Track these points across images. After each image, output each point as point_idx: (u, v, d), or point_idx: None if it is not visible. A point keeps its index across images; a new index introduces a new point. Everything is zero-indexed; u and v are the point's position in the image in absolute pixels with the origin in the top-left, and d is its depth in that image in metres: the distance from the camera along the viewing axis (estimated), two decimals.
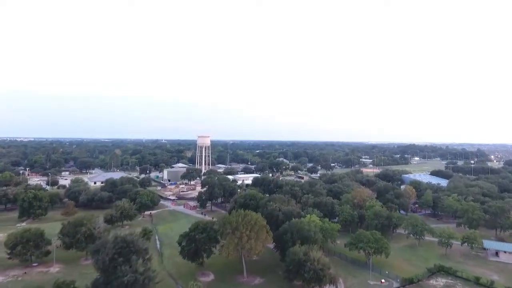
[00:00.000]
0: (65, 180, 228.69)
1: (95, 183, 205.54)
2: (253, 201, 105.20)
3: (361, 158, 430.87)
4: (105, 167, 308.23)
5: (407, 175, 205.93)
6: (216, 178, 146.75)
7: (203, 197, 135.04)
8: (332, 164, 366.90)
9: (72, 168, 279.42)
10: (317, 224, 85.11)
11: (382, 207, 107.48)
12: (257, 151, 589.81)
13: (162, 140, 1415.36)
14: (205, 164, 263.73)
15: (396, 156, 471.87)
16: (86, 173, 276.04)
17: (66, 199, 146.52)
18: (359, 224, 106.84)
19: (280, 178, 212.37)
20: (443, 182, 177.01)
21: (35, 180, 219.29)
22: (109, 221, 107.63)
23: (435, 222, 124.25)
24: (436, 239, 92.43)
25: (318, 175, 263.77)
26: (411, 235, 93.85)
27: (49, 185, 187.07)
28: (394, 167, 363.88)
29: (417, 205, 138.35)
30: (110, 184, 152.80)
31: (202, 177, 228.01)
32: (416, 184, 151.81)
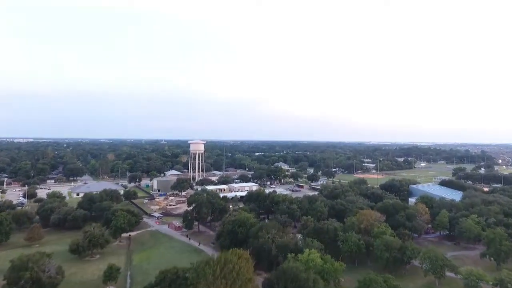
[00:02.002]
0: (48, 190, 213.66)
1: (77, 194, 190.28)
2: (243, 228, 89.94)
3: (363, 162, 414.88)
4: (95, 173, 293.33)
5: (415, 186, 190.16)
6: (205, 194, 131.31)
7: (189, 217, 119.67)
8: (334, 169, 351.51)
9: (59, 176, 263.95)
10: (317, 264, 69.95)
11: (393, 235, 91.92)
12: (257, 153, 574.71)
13: (161, 140, 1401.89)
14: (199, 171, 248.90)
15: (399, 159, 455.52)
16: (74, 180, 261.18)
17: (37, 217, 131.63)
18: (366, 254, 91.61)
19: (278, 190, 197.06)
20: (456, 196, 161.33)
21: (16, 190, 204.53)
22: (75, 251, 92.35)
23: (453, 248, 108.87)
24: (459, 277, 77.16)
25: (319, 183, 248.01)
26: (430, 272, 78.46)
27: (26, 198, 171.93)
28: (398, 172, 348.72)
29: (429, 226, 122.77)
30: (87, 201, 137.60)
31: (194, 186, 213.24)
32: (427, 200, 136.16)
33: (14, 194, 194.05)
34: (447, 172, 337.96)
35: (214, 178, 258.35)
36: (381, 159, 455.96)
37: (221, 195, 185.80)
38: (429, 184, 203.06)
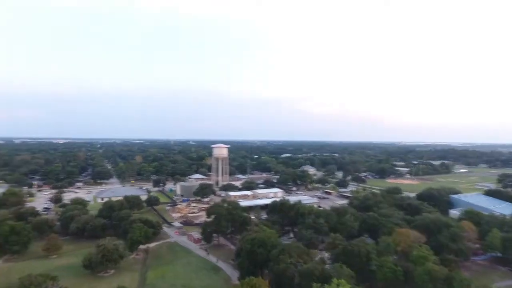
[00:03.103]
0: (76, 194, 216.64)
1: (102, 199, 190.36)
2: (263, 249, 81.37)
3: (396, 166, 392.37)
4: (122, 176, 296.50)
5: (456, 196, 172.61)
6: (225, 204, 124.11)
7: (208, 230, 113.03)
8: (364, 174, 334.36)
9: (87, 179, 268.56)
10: None
11: (436, 262, 79.57)
12: (283, 155, 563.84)
13: (189, 141, 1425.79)
14: (223, 175, 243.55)
15: (435, 163, 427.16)
16: (101, 183, 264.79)
17: (59, 224, 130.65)
18: (404, 282, 79.96)
19: (304, 197, 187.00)
20: (507, 209, 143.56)
21: (46, 194, 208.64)
22: (88, 266, 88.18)
23: (507, 274, 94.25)
24: None
25: (349, 190, 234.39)
26: None
27: (52, 203, 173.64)
28: (435, 178, 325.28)
29: (477, 246, 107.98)
30: (107, 208, 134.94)
31: (217, 192, 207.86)
32: (473, 215, 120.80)
33: (43, 197, 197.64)
34: (490, 178, 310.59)
35: (238, 183, 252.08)
36: (415, 162, 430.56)
37: (245, 202, 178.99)
38: (473, 194, 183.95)
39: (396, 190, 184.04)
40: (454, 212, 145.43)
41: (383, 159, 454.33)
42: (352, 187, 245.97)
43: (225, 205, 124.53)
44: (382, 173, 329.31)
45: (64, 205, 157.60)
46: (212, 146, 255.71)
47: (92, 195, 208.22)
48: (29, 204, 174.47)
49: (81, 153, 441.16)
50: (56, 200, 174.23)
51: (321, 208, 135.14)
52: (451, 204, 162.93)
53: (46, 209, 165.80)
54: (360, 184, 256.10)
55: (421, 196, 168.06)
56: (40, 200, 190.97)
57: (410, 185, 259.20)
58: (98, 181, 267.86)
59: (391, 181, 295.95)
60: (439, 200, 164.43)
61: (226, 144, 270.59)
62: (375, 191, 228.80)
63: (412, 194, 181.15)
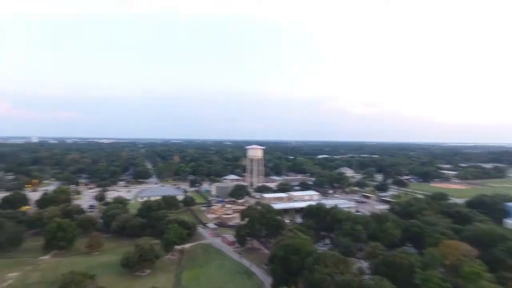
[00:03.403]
0: (118, 192, 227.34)
1: (142, 198, 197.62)
2: (297, 256, 78.57)
3: (441, 169, 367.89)
4: (161, 176, 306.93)
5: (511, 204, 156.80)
6: (259, 207, 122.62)
7: (242, 233, 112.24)
8: (406, 177, 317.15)
9: (128, 178, 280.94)
10: None
11: (492, 279, 71.81)
12: (319, 156, 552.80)
13: (226, 141, 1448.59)
14: (258, 176, 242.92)
15: (487, 166, 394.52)
16: (142, 183, 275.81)
17: (101, 221, 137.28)
18: None
19: (341, 201, 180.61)
20: None
21: (91, 191, 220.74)
22: (126, 265, 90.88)
23: None
24: None
25: (389, 194, 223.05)
26: None
27: (96, 201, 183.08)
28: (486, 182, 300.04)
29: None
30: (146, 208, 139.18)
31: (252, 193, 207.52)
32: None
33: (89, 195, 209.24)
34: None
35: (273, 184, 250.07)
36: (463, 165, 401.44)
37: (279, 205, 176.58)
38: None
39: (442, 196, 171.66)
40: (510, 222, 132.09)
41: (427, 161, 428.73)
42: (392, 191, 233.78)
43: (259, 207, 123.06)
44: (426, 177, 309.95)
45: (107, 203, 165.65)
46: (247, 147, 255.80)
47: (133, 193, 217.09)
48: (75, 202, 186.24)
49: (124, 153, 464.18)
50: (100, 198, 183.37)
51: (359, 213, 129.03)
52: (507, 213, 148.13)
53: (91, 206, 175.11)
54: (402, 188, 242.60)
55: (471, 203, 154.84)
56: (86, 197, 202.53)
57: (457, 191, 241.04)
58: (139, 180, 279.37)
59: (436, 186, 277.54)
60: (492, 208, 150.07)
61: (262, 145, 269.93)
62: (419, 196, 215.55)
63: (461, 201, 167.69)
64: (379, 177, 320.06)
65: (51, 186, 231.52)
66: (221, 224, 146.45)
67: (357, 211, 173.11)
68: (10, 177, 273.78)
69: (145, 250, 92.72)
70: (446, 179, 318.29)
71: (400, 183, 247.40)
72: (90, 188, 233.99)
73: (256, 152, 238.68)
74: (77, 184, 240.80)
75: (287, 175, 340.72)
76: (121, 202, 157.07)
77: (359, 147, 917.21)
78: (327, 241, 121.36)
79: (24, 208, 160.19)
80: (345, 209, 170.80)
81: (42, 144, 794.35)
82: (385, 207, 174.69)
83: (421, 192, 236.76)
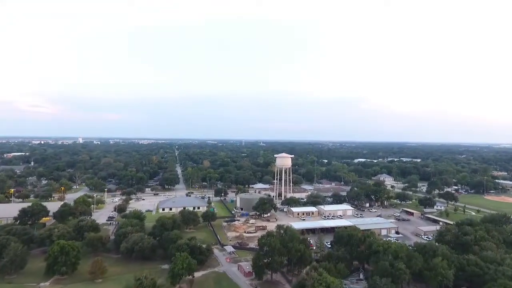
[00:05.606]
0: (142, 201, 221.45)
1: (163, 209, 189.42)
2: None
3: (496, 177, 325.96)
4: (188, 182, 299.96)
5: None
6: (281, 231, 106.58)
7: (259, 263, 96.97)
8: (454, 187, 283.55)
9: (154, 185, 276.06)
10: None
11: None
12: (356, 160, 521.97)
13: (260, 142, 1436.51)
14: (286, 185, 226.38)
15: None
16: (168, 189, 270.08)
17: (113, 238, 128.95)
18: None
19: (379, 220, 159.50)
20: None
21: (116, 200, 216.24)
22: None
23: None
24: None
25: (435, 210, 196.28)
26: None
27: (116, 212, 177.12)
28: None
29: None
30: (159, 226, 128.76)
31: (278, 207, 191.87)
32: None
33: (112, 204, 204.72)
34: None
35: (303, 195, 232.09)
36: None
37: (307, 223, 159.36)
38: None
39: (503, 218, 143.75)
40: None
41: (479, 168, 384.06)
42: (440, 205, 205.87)
43: (281, 232, 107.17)
44: (478, 187, 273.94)
45: (125, 216, 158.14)
46: (276, 155, 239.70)
47: (156, 203, 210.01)
48: (96, 212, 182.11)
49: (155, 157, 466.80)
50: (120, 209, 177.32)
51: (400, 243, 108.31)
52: None
53: (110, 218, 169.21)
54: (451, 203, 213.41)
55: None
56: (109, 207, 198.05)
57: None
58: (166, 187, 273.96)
59: (492, 199, 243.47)
60: None
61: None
62: (472, 213, 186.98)
63: None
64: (422, 186, 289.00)
65: (78, 193, 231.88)
66: (241, 245, 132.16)
67: (397, 232, 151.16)
68: (44, 182, 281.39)
69: (144, 286, 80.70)
70: (503, 190, 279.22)
71: (449, 196, 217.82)
72: (115, 196, 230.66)
73: (284, 161, 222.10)
74: (104, 191, 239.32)
75: (320, 182, 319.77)
76: (138, 216, 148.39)
77: (399, 149, 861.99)
78: (361, 275, 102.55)
79: (45, 219, 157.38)
80: (383, 229, 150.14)
81: (85, 146, 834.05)
82: (431, 228, 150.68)
83: (474, 207, 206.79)
